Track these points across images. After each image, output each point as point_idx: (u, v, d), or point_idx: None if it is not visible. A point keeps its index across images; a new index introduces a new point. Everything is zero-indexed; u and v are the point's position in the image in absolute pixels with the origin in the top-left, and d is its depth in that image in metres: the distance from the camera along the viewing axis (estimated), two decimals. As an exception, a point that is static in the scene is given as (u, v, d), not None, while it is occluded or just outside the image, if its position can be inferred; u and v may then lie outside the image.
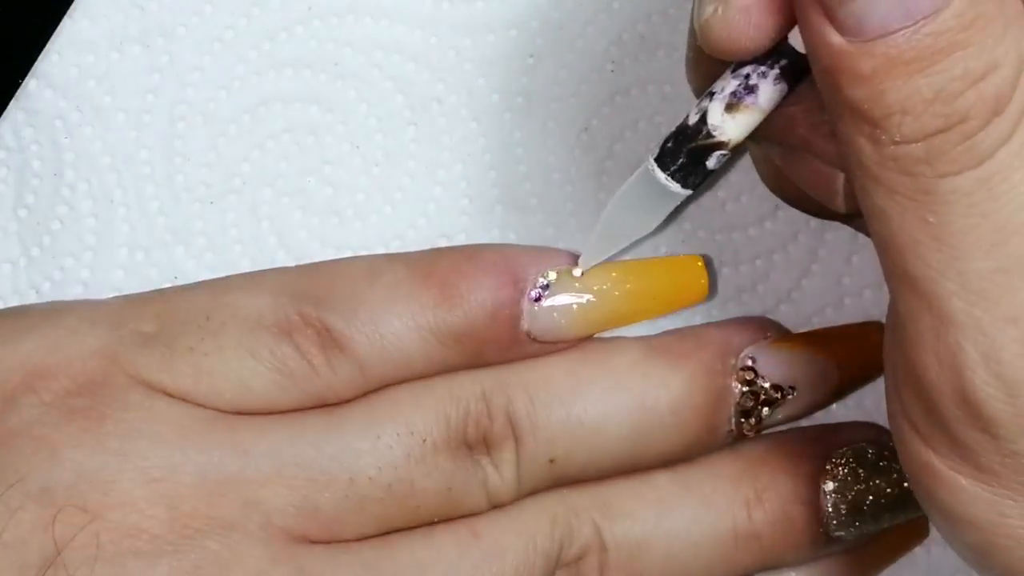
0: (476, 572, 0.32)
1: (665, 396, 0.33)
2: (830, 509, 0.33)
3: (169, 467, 0.31)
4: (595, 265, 0.33)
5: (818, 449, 0.34)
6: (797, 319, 0.36)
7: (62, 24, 0.36)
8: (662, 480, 0.34)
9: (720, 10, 0.27)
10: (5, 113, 0.36)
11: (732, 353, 0.34)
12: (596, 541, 0.33)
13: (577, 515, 0.33)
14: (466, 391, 0.33)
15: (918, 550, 0.35)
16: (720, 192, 0.36)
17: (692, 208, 0.36)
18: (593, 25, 0.36)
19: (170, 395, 0.31)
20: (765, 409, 0.34)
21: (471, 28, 0.36)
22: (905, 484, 0.33)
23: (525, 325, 0.33)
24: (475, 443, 0.32)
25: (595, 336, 0.34)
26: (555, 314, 0.33)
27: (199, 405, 0.31)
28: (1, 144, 0.36)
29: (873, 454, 0.34)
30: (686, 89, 0.35)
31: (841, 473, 0.34)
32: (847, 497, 0.33)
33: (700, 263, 0.34)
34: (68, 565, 0.29)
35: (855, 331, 0.35)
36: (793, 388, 0.34)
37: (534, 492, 0.33)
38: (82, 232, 0.36)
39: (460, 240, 0.36)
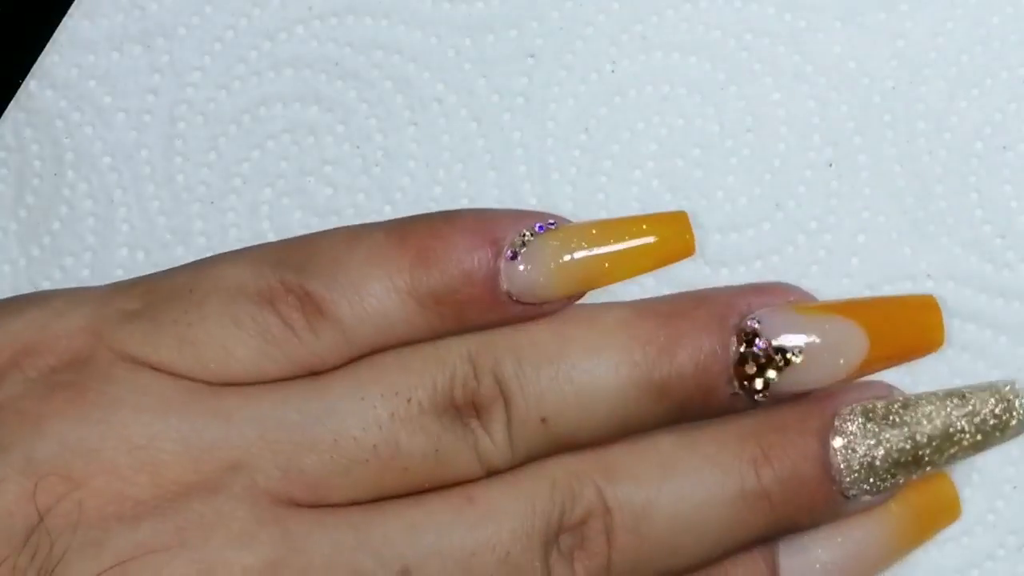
0: (470, 535, 0.32)
1: (652, 354, 0.33)
2: (841, 466, 0.33)
3: (152, 435, 0.31)
4: (574, 223, 0.33)
5: (826, 407, 0.33)
6: (797, 319, 0.36)
7: (62, 24, 0.36)
8: (666, 442, 0.33)
9: None
10: (5, 113, 0.36)
11: (736, 314, 0.33)
12: (599, 504, 0.32)
13: (579, 479, 0.33)
14: (452, 354, 0.33)
15: (918, 550, 0.35)
16: (720, 192, 0.36)
17: (692, 208, 0.35)
18: (593, 25, 0.36)
19: (154, 368, 0.32)
20: (771, 372, 0.33)
21: (471, 28, 0.36)
22: (917, 438, 0.33)
23: (505, 285, 0.33)
24: (464, 406, 0.32)
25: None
26: (533, 272, 0.33)
27: (184, 377, 0.32)
28: (1, 144, 0.36)
29: (883, 408, 0.33)
30: (684, 90, 0.36)
31: (850, 429, 0.33)
32: (857, 453, 0.33)
33: (685, 218, 0.34)
34: (51, 532, 0.30)
35: (896, 301, 0.35)
36: (800, 351, 0.33)
37: (531, 458, 0.33)
38: (82, 232, 0.36)
39: (460, 240, 0.36)
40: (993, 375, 0.35)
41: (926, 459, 0.33)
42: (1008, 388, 0.34)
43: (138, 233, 0.36)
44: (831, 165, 0.36)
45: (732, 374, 0.33)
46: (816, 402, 0.34)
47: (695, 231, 0.35)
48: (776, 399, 0.33)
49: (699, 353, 0.33)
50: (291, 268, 0.33)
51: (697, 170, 0.36)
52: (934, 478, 0.34)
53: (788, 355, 0.33)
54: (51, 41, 0.36)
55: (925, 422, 0.33)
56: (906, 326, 0.34)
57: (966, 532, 0.35)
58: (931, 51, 0.36)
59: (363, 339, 0.32)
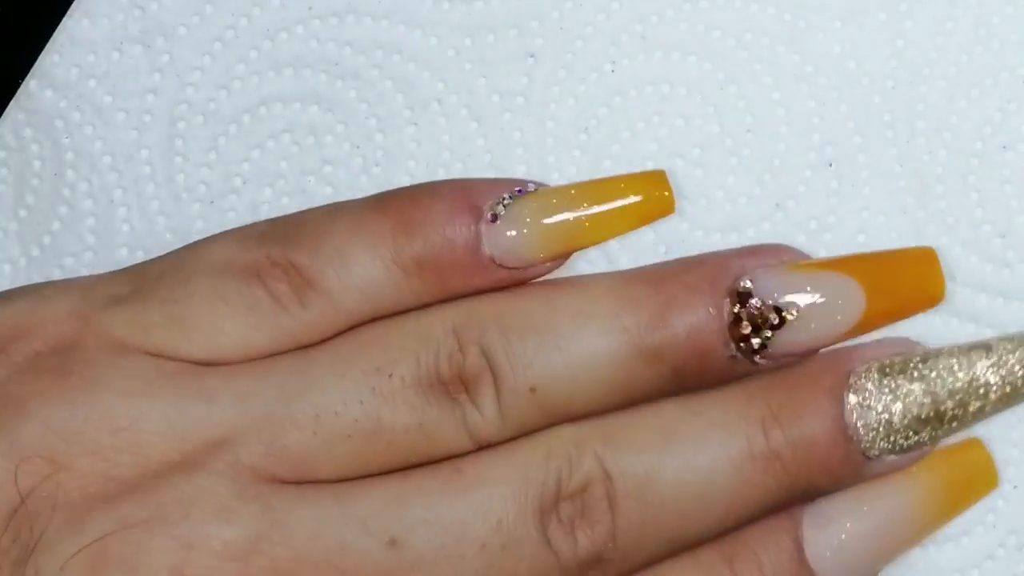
0: (458, 504, 0.31)
1: (643, 318, 0.32)
2: (858, 424, 0.32)
3: (135, 417, 0.31)
4: (554, 186, 0.33)
5: (841, 364, 0.33)
6: (797, 319, 0.36)
7: (62, 24, 0.36)
8: (668, 408, 0.33)
9: None
10: (5, 113, 0.36)
11: (729, 276, 0.33)
12: (599, 471, 0.32)
13: (577, 447, 0.32)
14: (435, 328, 0.32)
15: (917, 550, 0.35)
16: (719, 192, 0.36)
17: (691, 208, 0.35)
18: (593, 25, 0.36)
19: (142, 350, 0.32)
20: (767, 332, 0.32)
21: (471, 28, 0.36)
22: (939, 393, 0.32)
23: (487, 249, 0.33)
24: (450, 380, 0.32)
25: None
26: (514, 234, 0.33)
27: (172, 356, 0.32)
28: (1, 144, 0.36)
29: (901, 362, 0.33)
30: (684, 90, 0.36)
31: (866, 385, 0.32)
32: (875, 410, 0.32)
33: (663, 176, 0.34)
34: (32, 512, 0.30)
35: (893, 254, 0.34)
36: (795, 309, 0.32)
37: (525, 430, 0.33)
38: (82, 232, 0.36)
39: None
40: (993, 375, 0.35)
41: (949, 415, 0.32)
42: None
43: (138, 233, 0.36)
44: (831, 165, 0.36)
45: (728, 336, 0.33)
46: (830, 360, 0.33)
47: (693, 231, 0.35)
48: (777, 360, 0.33)
49: (692, 316, 0.33)
50: (276, 242, 0.33)
51: (697, 170, 0.36)
52: (966, 444, 0.34)
53: (783, 313, 0.32)
54: (51, 41, 0.36)
55: (947, 375, 0.33)
56: (904, 279, 0.34)
57: (966, 532, 0.35)
58: (931, 51, 0.36)
59: (351, 308, 0.32)
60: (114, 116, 0.36)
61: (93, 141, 0.36)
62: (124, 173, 0.36)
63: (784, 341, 0.33)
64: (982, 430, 0.35)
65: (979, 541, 0.35)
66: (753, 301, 0.32)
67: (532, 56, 0.36)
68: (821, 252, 0.36)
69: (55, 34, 0.36)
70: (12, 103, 0.36)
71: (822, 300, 0.33)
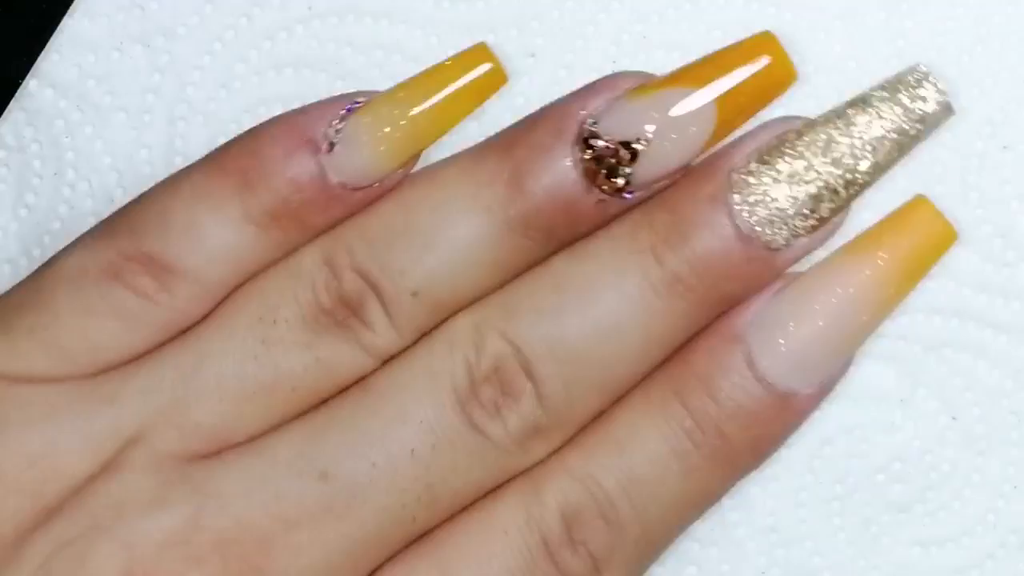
0: (374, 419, 0.31)
1: (500, 191, 0.32)
2: (750, 220, 0.32)
3: (46, 442, 0.31)
4: (380, 93, 0.33)
5: (719, 166, 0.32)
6: (797, 319, 0.36)
7: (62, 24, 0.36)
8: (558, 264, 0.32)
9: None
10: (5, 113, 0.36)
11: (573, 123, 0.32)
12: (506, 347, 0.32)
13: (478, 330, 0.32)
14: (305, 264, 0.32)
15: (917, 550, 0.35)
16: (720, 192, 0.36)
17: (692, 208, 0.35)
18: (593, 25, 0.36)
19: (29, 381, 0.31)
20: (626, 169, 0.32)
21: (471, 28, 0.36)
22: (819, 165, 0.31)
23: (334, 177, 0.32)
24: (335, 309, 0.32)
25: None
26: (356, 154, 0.32)
27: (61, 379, 0.32)
28: (1, 144, 0.36)
29: (777, 146, 0.32)
30: (685, 89, 0.35)
31: (747, 180, 0.32)
32: (762, 202, 0.32)
33: (484, 46, 0.33)
34: None
35: (728, 50, 0.33)
36: (642, 137, 0.32)
37: (426, 333, 0.32)
38: (82, 232, 0.36)
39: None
40: (993, 375, 0.35)
41: (843, 182, 0.31)
42: (917, 72, 0.32)
43: (138, 233, 0.36)
44: (831, 165, 0.35)
45: (587, 184, 0.32)
46: (708, 164, 0.32)
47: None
48: (646, 188, 0.32)
49: (546, 175, 0.32)
50: (124, 235, 0.32)
51: (697, 170, 0.36)
52: (909, 205, 0.33)
53: (633, 145, 0.32)
54: (51, 41, 0.36)
55: (827, 143, 0.32)
56: (748, 69, 0.32)
57: (966, 532, 0.35)
58: (931, 51, 0.36)
59: (218, 280, 0.32)
60: (114, 116, 0.36)
61: (93, 141, 0.36)
62: (124, 173, 0.36)
63: (645, 171, 0.32)
64: (982, 430, 0.35)
65: (979, 541, 0.35)
66: (600, 142, 0.32)
67: (532, 56, 0.36)
68: (821, 252, 0.36)
69: (55, 34, 0.36)
70: (12, 103, 0.36)
71: (670, 119, 0.32)
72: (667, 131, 0.32)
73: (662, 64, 0.36)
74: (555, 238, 0.32)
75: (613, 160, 0.32)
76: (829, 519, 0.35)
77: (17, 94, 0.36)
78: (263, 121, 0.33)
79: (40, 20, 0.36)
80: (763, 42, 0.33)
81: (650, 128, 0.32)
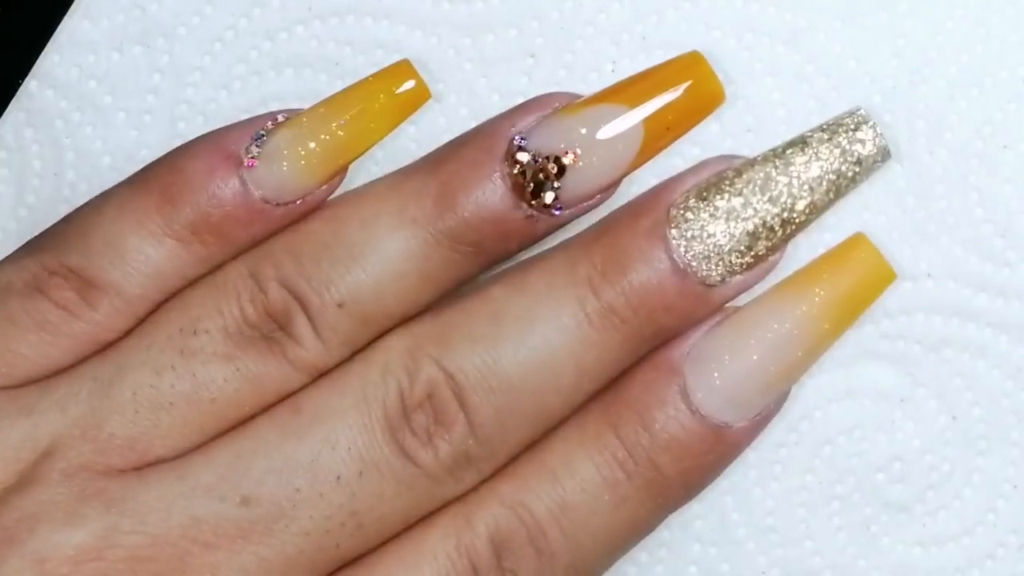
0: (302, 444, 0.31)
1: (428, 206, 0.32)
2: (687, 255, 0.32)
3: None
4: (302, 110, 0.33)
5: (659, 200, 0.32)
6: (797, 319, 0.36)
7: (62, 24, 0.36)
8: (495, 290, 0.32)
9: None
10: (5, 113, 0.36)
11: (503, 139, 0.32)
12: (439, 374, 0.32)
13: (411, 355, 0.32)
14: (230, 277, 0.32)
15: (917, 550, 0.35)
16: (720, 192, 0.36)
17: (692, 208, 0.36)
18: (593, 25, 0.36)
19: None
20: (555, 184, 0.32)
21: (471, 28, 0.36)
22: (757, 204, 0.32)
23: (257, 192, 0.32)
24: (260, 322, 0.32)
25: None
26: (277, 169, 0.32)
27: None
28: (1, 144, 0.36)
29: (716, 183, 0.32)
30: (686, 89, 0.35)
31: (685, 215, 0.32)
32: (699, 238, 0.32)
33: (407, 63, 0.33)
34: None
35: (657, 69, 0.33)
36: (569, 152, 0.32)
37: (355, 347, 0.32)
38: (82, 232, 0.36)
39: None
40: (993, 375, 0.35)
41: (780, 220, 0.32)
42: (857, 117, 0.32)
43: (138, 233, 0.36)
44: (831, 165, 0.36)
45: (516, 199, 0.32)
46: (647, 198, 0.33)
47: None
48: (576, 205, 0.33)
49: (475, 191, 0.32)
50: (49, 250, 0.32)
51: (697, 170, 0.36)
52: (848, 243, 0.33)
53: (560, 159, 0.32)
54: (51, 41, 0.36)
55: (765, 183, 0.32)
56: (676, 90, 0.32)
57: (966, 532, 0.35)
58: (931, 51, 0.36)
59: (139, 294, 0.32)
60: (114, 116, 0.36)
61: (93, 141, 0.36)
62: (124, 173, 0.36)
63: (573, 187, 0.32)
64: (982, 430, 0.35)
65: (979, 541, 0.35)
66: (527, 157, 0.32)
67: (532, 56, 0.36)
68: (821, 251, 0.36)
69: (55, 34, 0.36)
70: (12, 103, 0.36)
71: (595, 135, 0.32)
72: (594, 148, 0.32)
73: (662, 64, 0.36)
74: (485, 253, 0.33)
75: (541, 175, 0.32)
76: (829, 519, 0.35)
77: (17, 94, 0.36)
78: (190, 140, 0.33)
79: (40, 20, 0.36)
80: (691, 63, 0.33)
81: (578, 144, 0.32)
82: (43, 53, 0.36)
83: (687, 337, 0.33)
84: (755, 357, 0.32)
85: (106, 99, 0.36)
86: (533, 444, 0.32)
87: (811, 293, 0.32)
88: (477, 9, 0.36)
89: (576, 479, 0.32)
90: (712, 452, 0.32)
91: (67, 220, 0.33)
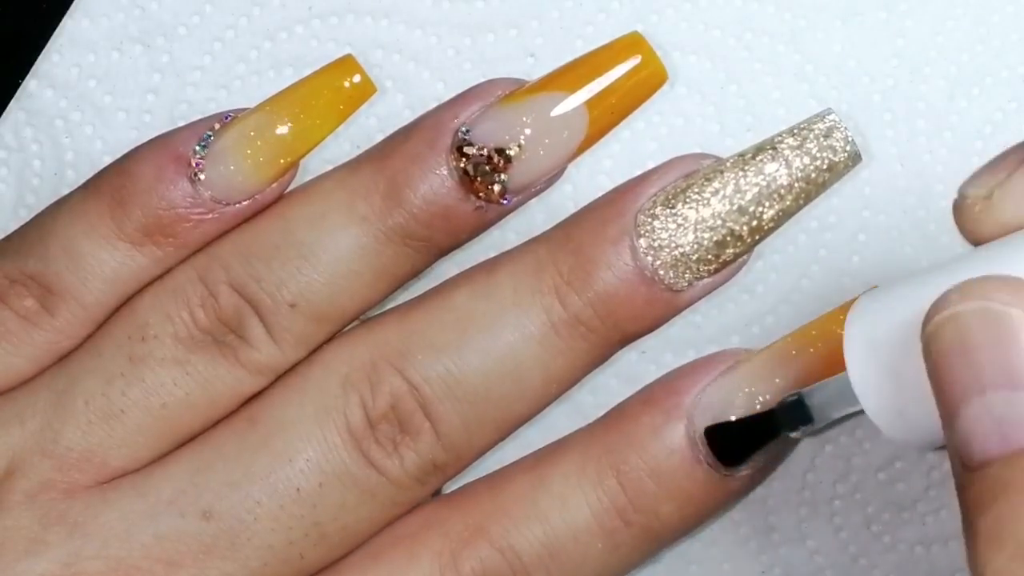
0: (260, 457, 0.31)
1: (377, 202, 0.32)
2: (654, 264, 0.32)
3: None
4: (247, 110, 0.33)
5: (626, 207, 0.32)
6: (797, 319, 0.36)
7: (62, 24, 0.36)
8: (460, 297, 0.32)
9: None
10: (5, 113, 0.36)
11: (447, 132, 0.32)
12: (402, 385, 0.31)
13: (373, 366, 0.32)
14: (180, 281, 0.32)
15: (918, 549, 0.35)
16: (720, 192, 0.36)
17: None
18: (593, 25, 0.36)
19: None
20: (501, 175, 0.32)
21: (471, 28, 0.36)
22: (724, 212, 0.31)
23: (206, 193, 0.32)
24: (212, 326, 0.32)
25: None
26: (224, 170, 0.32)
27: None
28: (1, 144, 0.36)
29: (683, 190, 0.32)
30: (684, 89, 0.35)
31: (652, 224, 0.32)
32: (666, 247, 0.32)
33: (351, 58, 0.33)
34: None
35: (602, 53, 0.33)
36: (513, 143, 0.32)
37: (311, 347, 0.32)
38: (82, 232, 0.36)
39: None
40: (994, 374, 0.35)
41: (748, 229, 0.32)
42: (828, 122, 0.32)
43: (138, 233, 0.36)
44: (831, 164, 0.36)
45: (463, 192, 0.32)
46: (613, 204, 0.32)
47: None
48: (524, 193, 0.32)
49: (421, 185, 0.32)
50: (8, 259, 0.32)
51: (697, 170, 0.36)
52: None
53: (505, 150, 0.32)
54: (51, 41, 0.36)
55: (733, 193, 0.32)
56: (617, 71, 0.32)
57: (967, 532, 0.35)
58: (931, 51, 0.36)
59: (98, 299, 0.32)
60: (114, 116, 0.36)
61: (93, 141, 0.36)
62: (124, 173, 0.36)
63: (520, 176, 0.32)
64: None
65: (980, 541, 0.35)
66: (472, 151, 0.32)
67: (532, 56, 0.36)
68: (821, 251, 0.36)
69: (55, 34, 0.36)
70: (12, 103, 0.36)
71: (541, 124, 0.32)
72: (539, 136, 0.32)
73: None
74: (436, 245, 0.32)
75: (487, 167, 0.32)
76: (829, 519, 0.35)
77: (17, 94, 0.36)
78: (138, 145, 0.33)
79: (40, 20, 0.36)
80: (632, 43, 0.33)
81: (521, 134, 0.32)
82: (43, 53, 0.36)
83: (696, 381, 0.32)
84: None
85: (106, 99, 0.36)
86: (529, 473, 0.32)
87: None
88: (477, 9, 0.36)
89: (570, 525, 0.32)
90: (714, 500, 0.32)
91: (26, 227, 0.33)
